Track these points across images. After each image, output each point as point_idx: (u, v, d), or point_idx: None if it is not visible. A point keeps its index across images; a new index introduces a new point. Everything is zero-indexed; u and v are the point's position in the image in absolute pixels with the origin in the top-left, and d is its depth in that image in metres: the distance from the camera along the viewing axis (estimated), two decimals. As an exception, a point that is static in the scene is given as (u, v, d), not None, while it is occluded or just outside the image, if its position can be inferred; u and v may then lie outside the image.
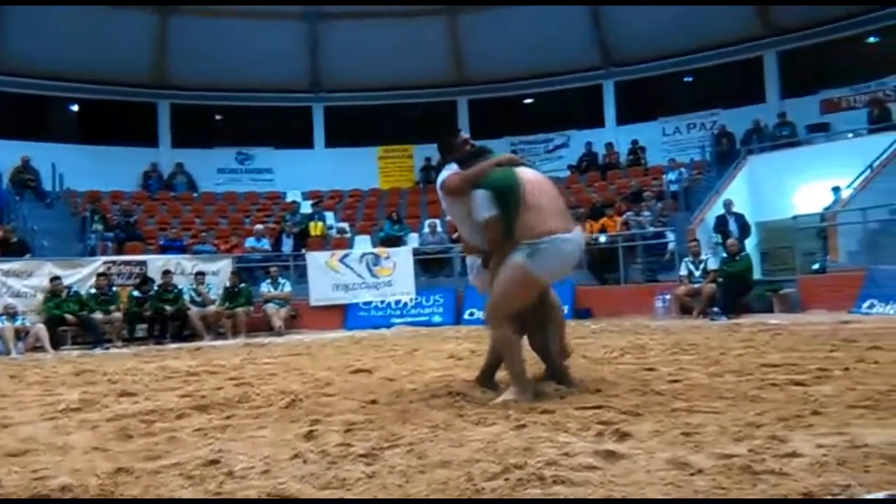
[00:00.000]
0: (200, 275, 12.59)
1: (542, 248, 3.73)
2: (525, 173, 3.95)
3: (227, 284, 12.58)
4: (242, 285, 12.64)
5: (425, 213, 16.66)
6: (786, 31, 16.91)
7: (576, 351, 5.69)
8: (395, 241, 14.94)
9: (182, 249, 14.17)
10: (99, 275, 11.99)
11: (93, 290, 11.77)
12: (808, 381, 4.07)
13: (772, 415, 3.12)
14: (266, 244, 14.80)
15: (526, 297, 3.89)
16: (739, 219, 12.81)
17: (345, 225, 16.57)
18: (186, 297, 12.19)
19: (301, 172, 18.61)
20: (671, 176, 15.55)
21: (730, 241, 11.68)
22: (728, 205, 13.01)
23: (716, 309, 10.60)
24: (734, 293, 10.88)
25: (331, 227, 16.28)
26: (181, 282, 12.48)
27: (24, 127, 16.93)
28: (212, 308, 12.24)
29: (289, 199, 17.88)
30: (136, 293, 11.85)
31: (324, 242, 15.40)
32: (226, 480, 2.46)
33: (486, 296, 4.03)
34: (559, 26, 17.67)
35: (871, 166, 12.59)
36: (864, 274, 10.24)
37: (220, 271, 13.16)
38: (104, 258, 12.77)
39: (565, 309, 10.92)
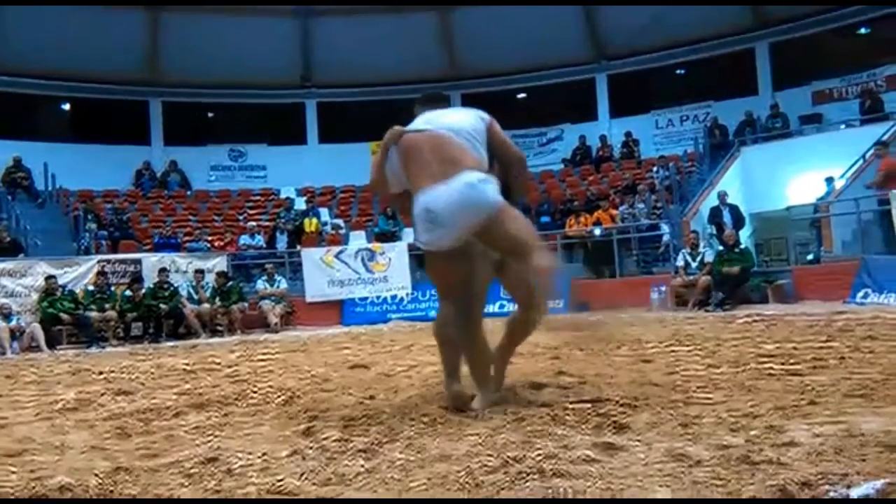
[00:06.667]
0: (199, 272, 12.59)
1: None
2: None
3: (214, 285, 12.51)
4: (230, 283, 12.61)
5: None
6: (777, 23, 16.91)
7: (572, 343, 5.71)
8: (389, 237, 14.93)
9: (176, 247, 14.16)
10: (98, 273, 12.00)
11: (91, 287, 11.78)
12: (804, 370, 4.09)
13: (768, 405, 3.13)
14: (260, 241, 14.77)
15: None
16: (733, 210, 12.83)
17: (339, 221, 16.54)
18: (184, 293, 12.17)
19: (294, 169, 18.53)
20: (661, 173, 15.56)
21: (727, 232, 11.70)
22: (722, 196, 13.03)
23: (711, 301, 10.63)
24: (730, 285, 10.91)
25: (325, 224, 16.26)
26: (177, 280, 12.46)
27: (15, 126, 16.81)
28: (206, 306, 12.22)
29: (283, 195, 17.84)
30: (128, 293, 11.84)
31: (318, 239, 15.37)
32: (225, 478, 2.46)
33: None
34: (551, 20, 17.62)
35: (863, 156, 12.61)
36: (858, 264, 10.28)
37: (215, 269, 13.14)
38: (99, 257, 12.74)
39: (560, 303, 10.88)
